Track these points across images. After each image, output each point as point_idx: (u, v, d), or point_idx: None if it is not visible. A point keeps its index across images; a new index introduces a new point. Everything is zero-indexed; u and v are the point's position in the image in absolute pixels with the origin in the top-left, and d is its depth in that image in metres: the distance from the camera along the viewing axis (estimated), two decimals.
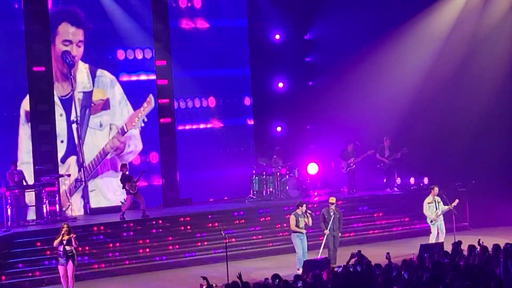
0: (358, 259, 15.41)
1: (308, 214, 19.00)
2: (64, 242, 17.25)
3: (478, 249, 15.35)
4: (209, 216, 22.62)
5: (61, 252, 17.32)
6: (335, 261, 18.77)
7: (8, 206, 21.16)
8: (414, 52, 25.74)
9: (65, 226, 17.51)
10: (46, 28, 23.41)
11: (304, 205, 19.16)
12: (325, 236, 19.12)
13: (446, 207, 20.35)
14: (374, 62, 25.78)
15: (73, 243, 17.30)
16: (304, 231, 19.03)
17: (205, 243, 21.58)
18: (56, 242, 17.44)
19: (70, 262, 17.33)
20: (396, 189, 25.73)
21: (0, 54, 23.14)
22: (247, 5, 27.10)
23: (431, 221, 20.42)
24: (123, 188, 22.52)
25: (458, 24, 25.32)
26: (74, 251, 17.47)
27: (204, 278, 14.23)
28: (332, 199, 19.57)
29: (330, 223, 19.09)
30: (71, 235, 17.30)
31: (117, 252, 20.82)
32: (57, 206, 22.26)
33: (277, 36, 27.46)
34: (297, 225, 18.97)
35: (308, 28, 27.82)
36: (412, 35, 25.69)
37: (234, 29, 27.15)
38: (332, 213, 19.24)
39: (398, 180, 26.05)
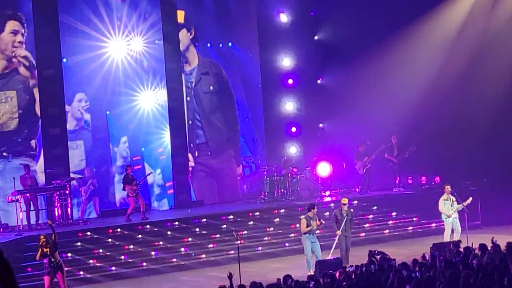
0: (372, 258, 15.39)
1: (316, 217, 18.85)
2: (48, 252, 16.51)
3: (491, 247, 15.31)
4: (223, 218, 22.62)
5: (47, 265, 16.62)
6: (348, 261, 18.70)
7: (20, 210, 21.21)
8: (424, 51, 25.73)
9: (42, 237, 16.68)
10: (55, 31, 23.46)
11: (315, 208, 19.03)
12: (337, 236, 19.09)
13: (460, 205, 20.29)
14: (384, 62, 25.75)
15: (53, 236, 16.63)
16: (316, 234, 18.94)
17: (214, 244, 21.51)
18: (38, 256, 16.69)
19: (59, 272, 16.69)
20: (402, 189, 25.68)
21: None
22: None
23: (446, 217, 20.36)
24: (123, 189, 22.61)
25: (468, 23, 25.31)
26: (61, 261, 16.84)
27: (230, 277, 13.43)
28: (345, 200, 19.53)
29: (343, 224, 19.05)
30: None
31: (126, 255, 20.81)
32: (69, 209, 22.31)
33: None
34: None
35: (318, 29, 27.84)
36: (422, 34, 25.69)
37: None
38: (344, 214, 19.21)
39: (409, 180, 26.06)
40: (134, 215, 22.45)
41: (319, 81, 28.04)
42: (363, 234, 22.86)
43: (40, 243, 16.58)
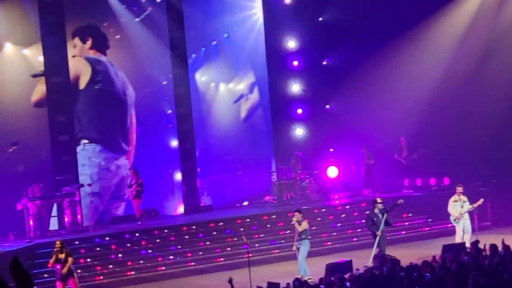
0: (382, 261, 15.39)
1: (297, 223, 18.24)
2: (62, 259, 16.38)
3: (501, 248, 15.28)
4: (239, 221, 22.63)
5: (59, 271, 16.36)
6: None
7: (30, 218, 21.29)
8: (432, 52, 25.73)
9: (58, 242, 16.55)
10: (63, 40, 23.57)
11: (296, 213, 18.36)
12: (377, 237, 18.81)
13: (471, 206, 20.21)
14: (391, 63, 25.75)
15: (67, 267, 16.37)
16: (303, 238, 18.25)
17: (229, 248, 21.43)
18: (51, 262, 16.45)
19: (71, 278, 16.53)
20: (411, 190, 25.63)
21: None
22: None
23: (454, 220, 20.30)
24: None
25: (476, 22, 25.28)
26: (72, 267, 16.61)
27: (230, 281, 13.52)
28: (379, 199, 19.33)
29: (382, 224, 18.85)
30: (68, 259, 16.37)
31: (142, 260, 20.84)
32: (79, 216, 22.37)
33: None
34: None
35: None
36: (429, 35, 25.71)
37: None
38: (379, 214, 19.02)
39: (419, 182, 26.04)
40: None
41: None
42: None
43: (56, 248, 16.46)
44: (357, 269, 15.87)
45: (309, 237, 18.44)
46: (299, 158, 25.92)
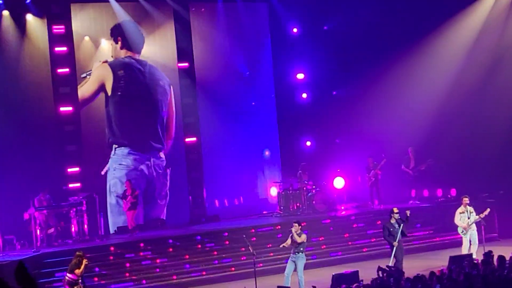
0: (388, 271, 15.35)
1: (299, 234, 17.94)
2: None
3: (508, 260, 15.24)
4: (252, 231, 22.57)
5: (81, 280, 16.49)
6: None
7: (37, 227, 21.33)
8: (439, 63, 25.68)
9: (82, 253, 16.79)
10: (71, 49, 23.72)
11: (296, 225, 18.09)
12: (394, 248, 18.62)
13: (477, 217, 20.15)
14: (398, 73, 25.76)
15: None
16: (300, 251, 17.90)
17: (244, 257, 21.17)
18: (81, 271, 16.50)
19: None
20: (418, 201, 25.57)
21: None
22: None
23: (462, 231, 20.23)
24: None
25: (483, 33, 25.19)
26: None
27: None
28: (396, 209, 19.16)
29: (399, 234, 18.65)
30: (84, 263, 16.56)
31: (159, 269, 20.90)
32: (85, 225, 22.40)
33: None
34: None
35: (331, 40, 27.90)
36: (437, 45, 25.66)
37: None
38: (396, 224, 18.85)
39: (425, 192, 25.99)
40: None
41: (334, 93, 28.08)
42: (379, 248, 22.69)
43: (85, 262, 16.51)
44: (361, 281, 15.80)
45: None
46: (305, 169, 25.91)
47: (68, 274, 16.54)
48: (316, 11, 27.35)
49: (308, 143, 27.65)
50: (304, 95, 27.68)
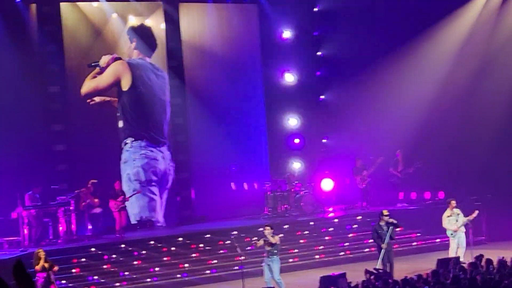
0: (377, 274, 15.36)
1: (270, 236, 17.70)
2: (47, 267, 16.39)
3: (496, 263, 15.27)
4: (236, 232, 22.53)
5: (42, 280, 16.32)
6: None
7: (24, 226, 21.25)
8: (428, 66, 25.73)
9: (42, 251, 16.67)
10: (60, 47, 23.67)
11: (268, 228, 17.84)
12: (383, 250, 18.50)
13: (466, 219, 20.15)
14: (387, 76, 25.81)
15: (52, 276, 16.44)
16: (274, 253, 17.72)
17: (231, 259, 21.06)
18: (39, 267, 16.40)
19: (52, 286, 16.52)
20: (406, 204, 25.60)
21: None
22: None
23: (452, 233, 20.22)
24: (108, 205, 22.74)
25: (473, 36, 25.25)
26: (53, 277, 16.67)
27: None
28: (386, 211, 19.04)
29: (387, 237, 18.59)
30: (54, 268, 16.52)
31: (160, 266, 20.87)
32: (73, 225, 22.33)
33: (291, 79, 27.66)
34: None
35: (320, 46, 27.97)
36: (425, 48, 25.70)
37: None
38: (385, 227, 18.78)
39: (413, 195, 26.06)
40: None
41: (322, 97, 28.12)
42: (366, 249, 22.73)
43: (43, 255, 16.45)
44: (350, 282, 15.80)
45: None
46: (293, 170, 25.93)
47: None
48: (306, 13, 27.40)
49: (297, 141, 27.62)
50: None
